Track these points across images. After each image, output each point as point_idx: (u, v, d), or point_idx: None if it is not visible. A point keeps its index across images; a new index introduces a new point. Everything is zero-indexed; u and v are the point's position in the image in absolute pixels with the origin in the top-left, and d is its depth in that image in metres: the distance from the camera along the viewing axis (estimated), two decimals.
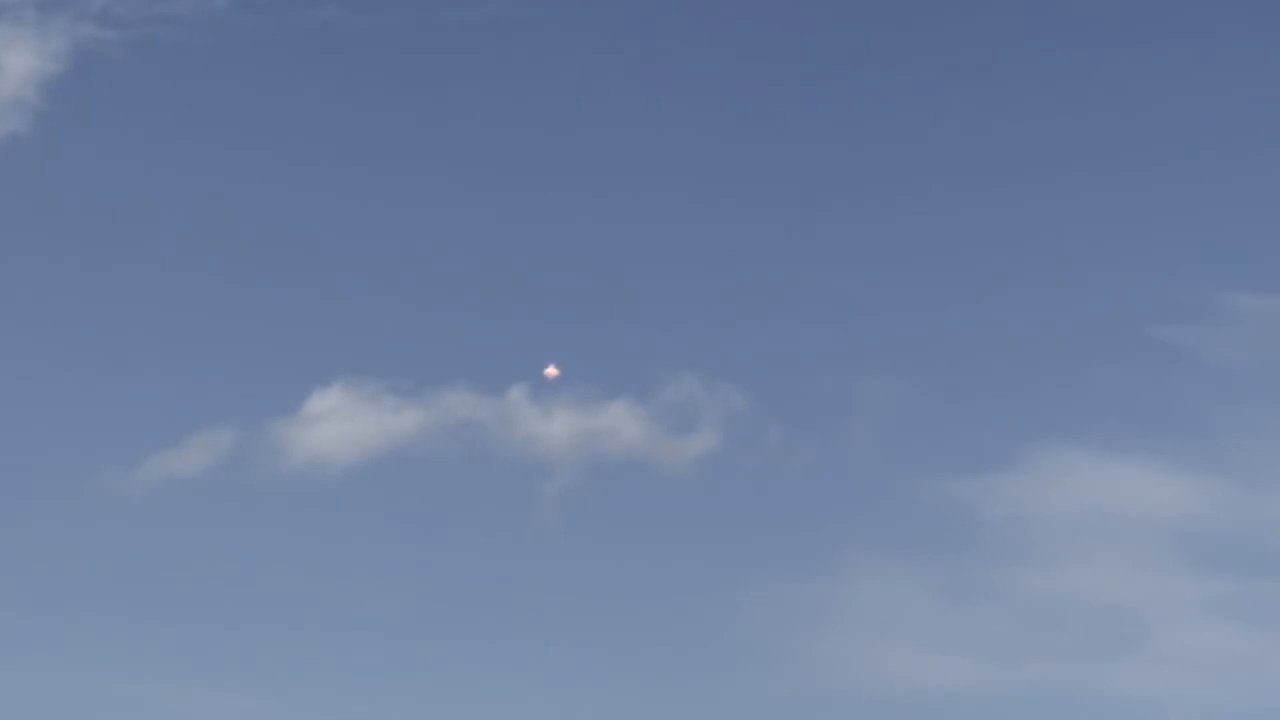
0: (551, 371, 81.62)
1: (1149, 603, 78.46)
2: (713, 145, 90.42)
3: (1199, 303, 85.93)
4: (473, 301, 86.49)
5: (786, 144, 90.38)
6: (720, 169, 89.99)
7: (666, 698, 75.69)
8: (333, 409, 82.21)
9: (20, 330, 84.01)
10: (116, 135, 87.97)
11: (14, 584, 77.10)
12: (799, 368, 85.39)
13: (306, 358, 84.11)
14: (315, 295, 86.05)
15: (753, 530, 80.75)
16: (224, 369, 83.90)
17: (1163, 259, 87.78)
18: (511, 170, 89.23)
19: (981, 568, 79.39)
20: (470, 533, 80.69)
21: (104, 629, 76.31)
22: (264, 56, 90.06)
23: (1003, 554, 79.82)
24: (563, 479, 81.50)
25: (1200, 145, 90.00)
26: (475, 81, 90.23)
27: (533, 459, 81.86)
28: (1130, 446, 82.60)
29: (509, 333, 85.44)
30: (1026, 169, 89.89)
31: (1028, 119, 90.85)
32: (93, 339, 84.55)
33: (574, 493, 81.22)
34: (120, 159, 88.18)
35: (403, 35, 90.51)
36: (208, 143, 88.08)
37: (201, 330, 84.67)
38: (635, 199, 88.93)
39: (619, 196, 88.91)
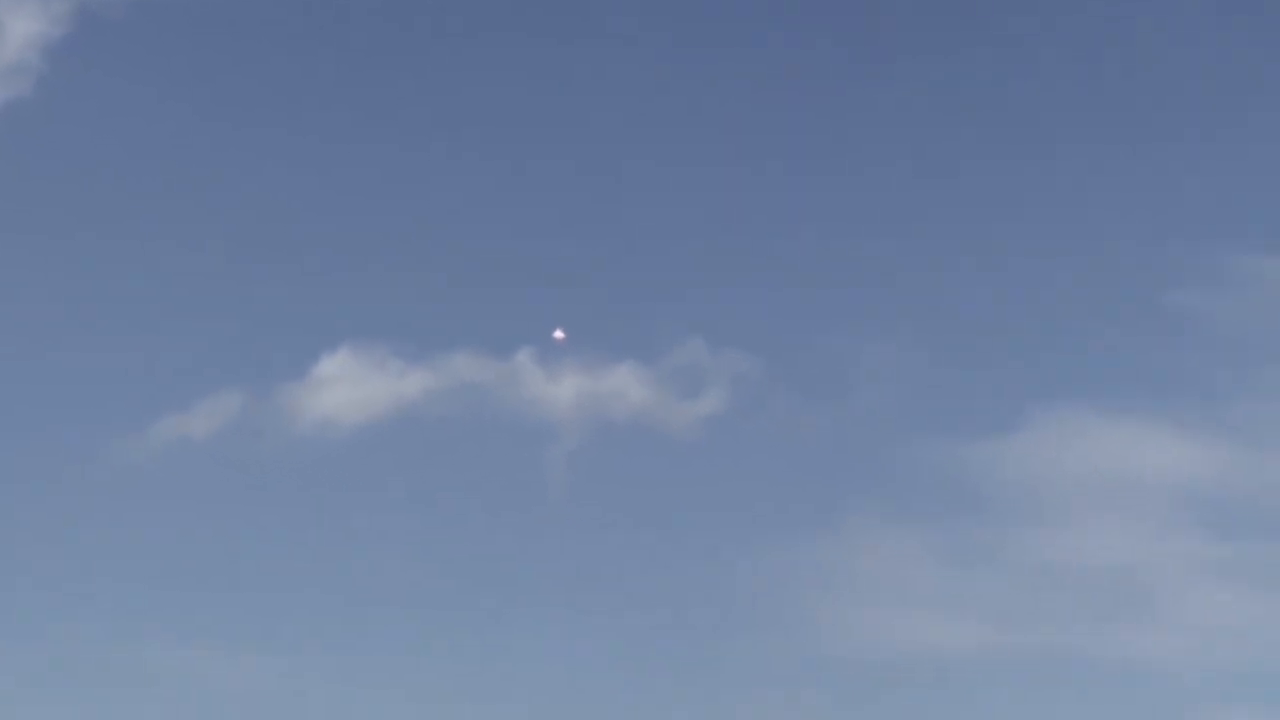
0: (559, 335, 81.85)
1: (1156, 566, 78.52)
2: (719, 109, 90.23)
3: (1208, 265, 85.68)
4: (478, 265, 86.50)
5: (792, 107, 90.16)
6: (726, 133, 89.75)
7: (671, 660, 76.12)
8: (340, 373, 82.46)
9: (25, 296, 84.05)
10: (119, 99, 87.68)
11: (25, 551, 77.69)
12: (805, 331, 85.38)
13: (314, 322, 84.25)
14: (322, 260, 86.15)
15: (759, 493, 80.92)
16: (232, 334, 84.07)
17: (1172, 222, 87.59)
18: (517, 135, 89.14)
19: (988, 531, 79.49)
20: (477, 495, 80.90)
21: (114, 594, 76.91)
22: (268, 18, 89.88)
23: (1009, 517, 79.98)
24: (569, 442, 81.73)
25: (1210, 106, 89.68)
26: (480, 48, 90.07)
27: (539, 422, 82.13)
28: (1138, 409, 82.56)
29: (515, 296, 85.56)
30: (1034, 132, 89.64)
31: (1037, 82, 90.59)
32: (99, 305, 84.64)
33: (580, 455, 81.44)
34: (123, 123, 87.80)
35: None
36: (212, 107, 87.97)
37: (209, 295, 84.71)
38: (641, 163, 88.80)
39: (625, 160, 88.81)
